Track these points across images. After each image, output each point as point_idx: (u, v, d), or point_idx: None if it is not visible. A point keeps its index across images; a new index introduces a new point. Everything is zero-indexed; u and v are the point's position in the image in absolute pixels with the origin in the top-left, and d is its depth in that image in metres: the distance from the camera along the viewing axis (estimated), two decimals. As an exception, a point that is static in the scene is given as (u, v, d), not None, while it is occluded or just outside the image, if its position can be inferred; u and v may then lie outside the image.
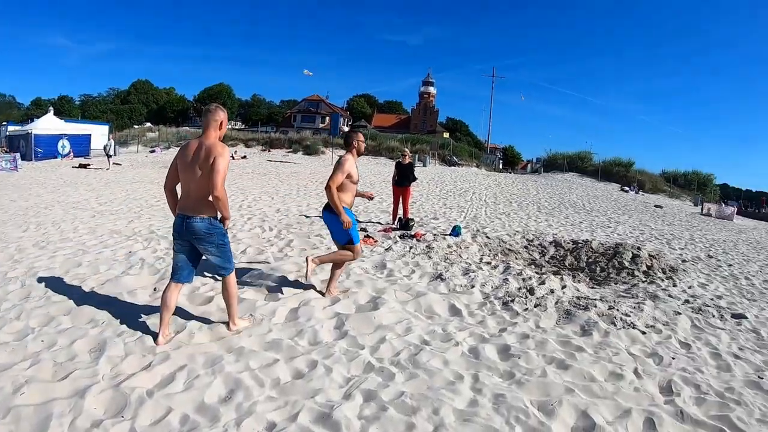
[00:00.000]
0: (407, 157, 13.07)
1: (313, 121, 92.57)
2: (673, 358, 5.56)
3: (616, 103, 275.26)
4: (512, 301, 6.94)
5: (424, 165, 46.66)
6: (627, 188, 43.65)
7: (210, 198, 4.35)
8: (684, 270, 10.79)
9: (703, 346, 6.13)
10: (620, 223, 19.23)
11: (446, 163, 51.30)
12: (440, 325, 5.87)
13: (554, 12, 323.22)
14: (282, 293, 6.40)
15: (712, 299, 8.49)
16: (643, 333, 6.24)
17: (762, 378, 5.38)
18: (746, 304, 8.53)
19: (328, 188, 5.84)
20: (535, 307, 6.80)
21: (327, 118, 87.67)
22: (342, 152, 6.77)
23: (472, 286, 7.47)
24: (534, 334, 5.77)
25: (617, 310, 6.89)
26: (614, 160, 54.60)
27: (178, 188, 4.64)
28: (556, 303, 6.99)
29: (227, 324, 5.11)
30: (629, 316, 6.74)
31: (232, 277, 4.84)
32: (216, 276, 5.93)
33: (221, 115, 4.49)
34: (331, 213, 6.05)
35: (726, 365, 5.62)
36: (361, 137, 6.41)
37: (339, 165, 6.02)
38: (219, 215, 4.57)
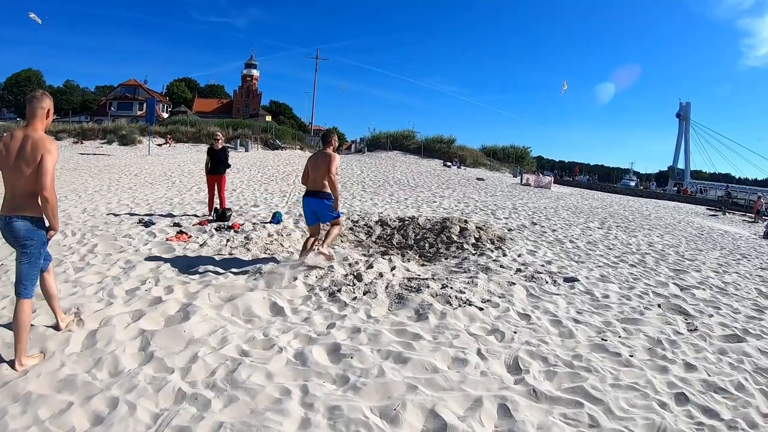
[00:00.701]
0: (219, 141, 12.10)
1: (131, 108, 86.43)
2: (515, 332, 5.49)
3: (440, 85, 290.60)
4: (339, 290, 6.47)
5: (246, 150, 45.05)
6: (449, 163, 45.96)
7: (32, 196, 4.16)
8: (511, 239, 11.23)
9: (543, 315, 6.20)
10: (445, 197, 19.88)
11: (269, 147, 49.95)
12: (261, 328, 5.22)
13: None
14: (79, 312, 5.33)
15: (542, 265, 8.83)
16: (481, 309, 6.15)
17: (606, 340, 5.51)
18: (575, 267, 8.99)
19: (331, 180, 7.23)
20: (364, 294, 6.41)
21: (145, 105, 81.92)
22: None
23: (295, 279, 6.89)
24: (366, 326, 5.35)
25: (451, 288, 6.75)
26: (436, 138, 57.17)
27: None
28: (387, 287, 6.67)
29: (12, 363, 4.24)
30: (464, 292, 6.64)
31: (28, 303, 4.32)
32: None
33: (48, 102, 4.32)
34: (316, 198, 7.40)
35: (568, 331, 5.69)
36: (336, 137, 7.69)
37: (333, 160, 7.28)
38: (45, 222, 4.29)
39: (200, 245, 8.63)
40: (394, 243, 10.33)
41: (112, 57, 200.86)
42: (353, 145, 78.55)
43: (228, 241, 9.00)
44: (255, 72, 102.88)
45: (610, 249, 11.30)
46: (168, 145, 44.53)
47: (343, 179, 24.38)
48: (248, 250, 8.45)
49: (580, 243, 11.63)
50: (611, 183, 67.62)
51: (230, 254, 8.15)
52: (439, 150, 52.98)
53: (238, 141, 46.86)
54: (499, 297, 6.71)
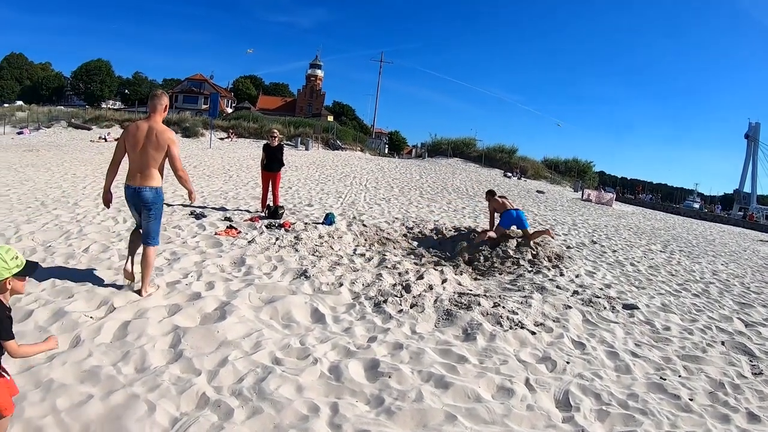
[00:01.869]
0: (276, 139, 12.01)
1: (196, 102, 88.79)
2: (568, 362, 5.08)
3: (501, 93, 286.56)
4: (385, 301, 6.19)
5: (307, 148, 45.40)
6: (510, 174, 45.19)
7: (156, 172, 5.38)
8: (569, 257, 10.70)
9: (598, 345, 5.76)
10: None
11: (329, 147, 50.23)
12: (298, 336, 5.00)
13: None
14: (117, 302, 5.26)
15: (601, 289, 8.33)
16: (533, 333, 5.75)
17: (665, 379, 5.05)
18: (635, 293, 8.45)
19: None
20: (411, 307, 6.10)
21: (209, 99, 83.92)
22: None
23: (341, 285, 6.67)
24: (409, 343, 5.05)
25: (503, 307, 6.37)
26: (498, 147, 56.43)
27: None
28: (435, 302, 6.35)
29: (139, 291, 5.57)
30: (516, 313, 6.24)
31: (154, 249, 5.61)
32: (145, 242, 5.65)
33: (165, 99, 5.51)
34: (520, 211, 11.03)
35: (625, 366, 5.25)
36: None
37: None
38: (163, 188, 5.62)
39: (248, 242, 8.50)
40: (448, 254, 9.98)
41: (180, 51, 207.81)
42: (414, 150, 78.38)
43: (277, 239, 8.83)
44: (319, 72, 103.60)
45: (673, 275, 10.65)
46: (230, 139, 45.36)
47: (401, 184, 24.15)
48: (296, 250, 8.25)
49: (641, 267, 11.00)
50: (674, 203, 65.28)
51: (277, 253, 7.97)
52: (500, 159, 52.24)
53: (299, 139, 47.20)
54: (554, 321, 6.29)
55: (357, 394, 4.01)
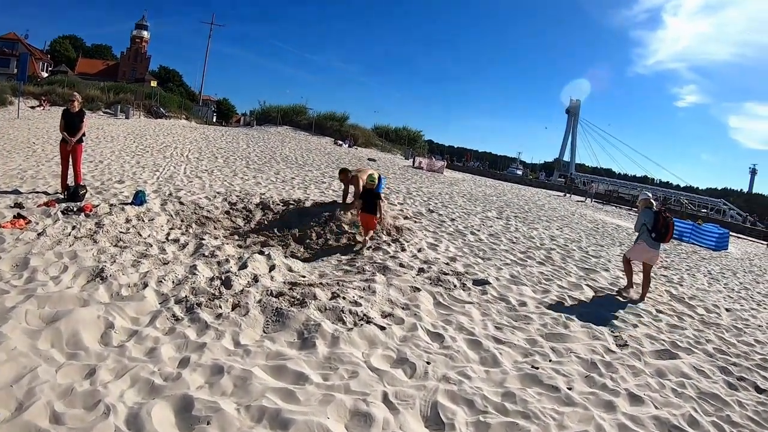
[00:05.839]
0: (76, 102, 10.03)
1: (8, 65, 76.82)
2: (428, 363, 4.37)
3: (336, 63, 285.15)
4: (200, 304, 4.98)
5: (127, 117, 41.37)
6: (341, 142, 44.97)
7: None
8: (409, 229, 10.11)
9: (457, 333, 5.19)
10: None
11: (152, 115, 46.48)
12: (84, 370, 3.62)
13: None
14: None
15: (447, 263, 7.89)
16: (383, 328, 4.95)
17: (537, 367, 4.61)
18: (482, 265, 8.17)
19: None
20: (232, 309, 4.99)
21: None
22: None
23: (145, 285, 5.31)
24: (232, 363, 3.91)
25: (343, 297, 5.52)
26: (329, 114, 56.21)
27: None
28: (261, 300, 5.25)
29: None
30: (360, 304, 5.43)
31: None
32: None
33: None
34: None
35: (491, 357, 4.73)
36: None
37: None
38: None
39: (38, 234, 6.68)
40: (276, 231, 8.93)
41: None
42: (243, 119, 76.16)
43: (74, 228, 7.11)
44: (145, 33, 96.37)
45: (514, 243, 10.63)
46: (42, 108, 40.06)
47: (227, 154, 22.47)
48: (95, 241, 6.70)
49: (482, 235, 10.84)
50: (498, 170, 69.54)
51: (71, 248, 6.32)
52: (330, 128, 52.29)
53: (119, 107, 43.18)
54: (403, 308, 5.59)
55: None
